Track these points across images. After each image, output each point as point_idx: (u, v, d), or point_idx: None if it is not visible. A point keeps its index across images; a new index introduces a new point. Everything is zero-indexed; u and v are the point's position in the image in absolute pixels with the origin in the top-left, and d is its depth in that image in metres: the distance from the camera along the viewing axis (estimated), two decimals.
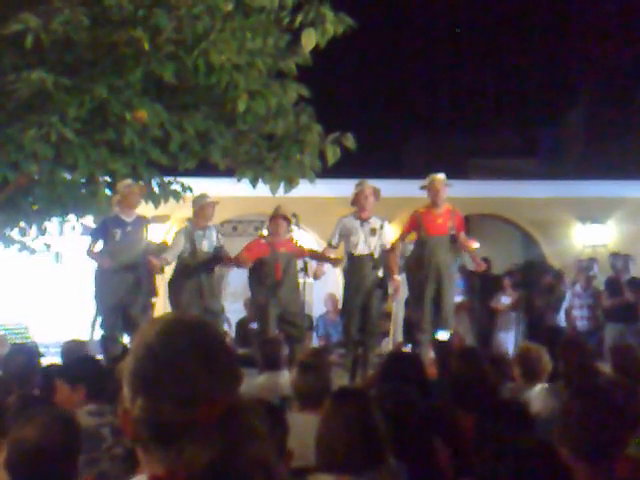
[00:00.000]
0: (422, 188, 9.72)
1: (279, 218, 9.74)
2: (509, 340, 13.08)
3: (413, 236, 9.74)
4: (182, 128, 8.58)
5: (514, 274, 14.11)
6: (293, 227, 10.61)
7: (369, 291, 9.44)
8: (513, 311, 13.35)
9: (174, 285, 9.69)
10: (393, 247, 9.66)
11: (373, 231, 9.50)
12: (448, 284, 9.63)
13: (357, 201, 9.54)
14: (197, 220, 9.65)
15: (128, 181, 9.20)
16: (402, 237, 9.86)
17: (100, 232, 9.40)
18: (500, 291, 13.53)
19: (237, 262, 9.69)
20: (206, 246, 9.64)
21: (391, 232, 9.89)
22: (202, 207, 9.66)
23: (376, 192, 9.58)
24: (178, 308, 9.43)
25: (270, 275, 9.56)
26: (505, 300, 13.45)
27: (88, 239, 9.58)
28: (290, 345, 8.84)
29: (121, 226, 9.22)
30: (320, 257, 10.08)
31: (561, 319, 13.39)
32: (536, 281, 14.09)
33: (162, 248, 9.82)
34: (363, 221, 9.49)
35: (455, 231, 9.59)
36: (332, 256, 9.96)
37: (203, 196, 9.84)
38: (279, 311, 9.58)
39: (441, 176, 9.68)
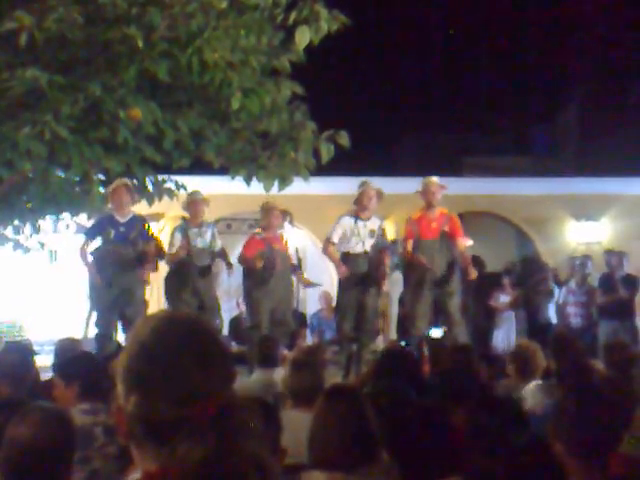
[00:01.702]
0: (417, 192, 9.74)
1: (274, 210, 9.81)
2: (510, 338, 13.07)
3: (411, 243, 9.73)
4: (176, 126, 8.56)
5: (512, 272, 14.11)
6: (287, 225, 10.67)
7: (364, 289, 9.46)
8: (512, 309, 13.34)
9: (170, 282, 9.73)
10: (387, 247, 9.72)
11: (372, 232, 9.55)
12: (453, 286, 9.64)
13: (360, 202, 9.57)
14: (190, 217, 9.77)
15: (119, 180, 9.18)
16: (406, 246, 9.81)
17: (95, 231, 9.39)
18: (498, 289, 13.52)
19: (247, 264, 9.74)
20: (200, 243, 9.69)
21: (388, 232, 9.94)
22: (189, 204, 9.81)
23: (379, 194, 9.61)
24: (174, 305, 9.47)
25: (267, 270, 9.61)
26: (504, 299, 13.44)
27: (82, 237, 9.57)
28: None
29: (115, 226, 9.22)
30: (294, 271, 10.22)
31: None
32: (531, 279, 14.10)
33: (158, 246, 9.83)
34: (362, 221, 9.52)
35: (451, 235, 9.61)
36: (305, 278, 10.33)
37: (193, 193, 9.92)
38: (271, 307, 9.64)
39: (435, 179, 9.70)
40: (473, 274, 9.65)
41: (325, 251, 9.81)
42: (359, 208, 9.58)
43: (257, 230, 10.15)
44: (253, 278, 9.73)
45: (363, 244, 9.49)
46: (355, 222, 9.51)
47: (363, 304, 9.46)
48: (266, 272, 9.60)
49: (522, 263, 15.63)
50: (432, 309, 9.67)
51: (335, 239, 9.55)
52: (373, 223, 9.59)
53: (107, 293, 9.13)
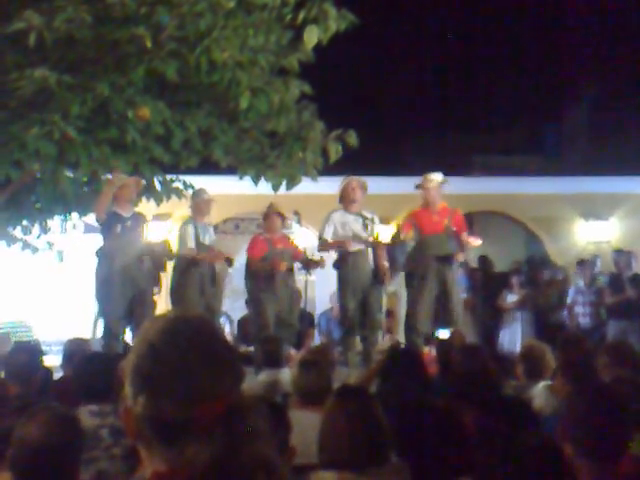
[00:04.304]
0: (417, 187, 9.72)
1: (272, 215, 9.83)
2: (516, 338, 13.06)
3: (411, 235, 9.65)
4: (184, 126, 8.57)
5: (521, 272, 14.09)
6: (294, 224, 10.67)
7: (366, 286, 9.43)
8: (519, 309, 13.33)
9: (177, 280, 9.71)
10: (382, 242, 9.70)
11: (366, 225, 9.53)
12: (452, 282, 9.60)
13: (345, 197, 9.59)
14: (195, 215, 9.77)
15: (123, 176, 9.17)
16: (396, 238, 9.80)
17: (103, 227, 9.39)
18: (506, 289, 13.50)
19: (255, 268, 9.76)
20: (207, 240, 9.71)
21: (379, 227, 9.91)
22: (197, 203, 9.80)
23: (363, 185, 9.62)
24: (180, 305, 9.44)
25: (269, 271, 9.61)
26: (511, 298, 13.42)
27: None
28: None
29: (120, 221, 9.17)
30: (308, 264, 10.14)
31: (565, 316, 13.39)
32: (540, 278, 14.08)
33: (165, 247, 9.82)
34: (352, 215, 9.53)
35: (456, 230, 9.56)
36: (316, 259, 10.10)
37: (200, 191, 9.91)
38: (277, 307, 9.63)
39: (435, 176, 9.65)
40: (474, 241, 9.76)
41: (321, 249, 9.77)
42: (346, 203, 9.59)
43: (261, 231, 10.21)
44: (257, 279, 9.72)
45: (359, 238, 9.50)
46: (352, 218, 9.50)
47: (367, 301, 9.44)
48: (267, 274, 9.63)
49: (531, 263, 15.61)
50: (435, 306, 9.59)
51: (327, 236, 9.53)
52: (366, 215, 9.61)
53: (114, 293, 9.09)
